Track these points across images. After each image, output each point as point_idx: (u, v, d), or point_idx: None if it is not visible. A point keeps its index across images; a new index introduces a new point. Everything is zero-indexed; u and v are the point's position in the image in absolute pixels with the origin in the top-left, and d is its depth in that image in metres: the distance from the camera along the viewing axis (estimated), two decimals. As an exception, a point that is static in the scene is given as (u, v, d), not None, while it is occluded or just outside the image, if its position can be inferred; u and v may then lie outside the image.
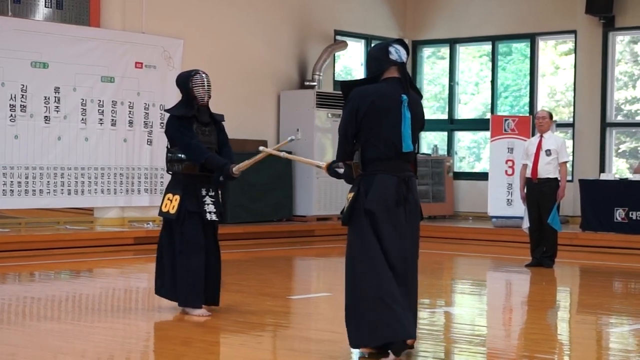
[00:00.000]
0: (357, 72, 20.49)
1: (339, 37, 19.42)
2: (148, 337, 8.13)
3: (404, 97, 6.56)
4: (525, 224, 13.46)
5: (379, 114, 6.52)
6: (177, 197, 8.62)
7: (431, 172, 19.44)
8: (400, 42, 6.74)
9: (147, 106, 16.18)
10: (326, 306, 9.99)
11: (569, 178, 16.06)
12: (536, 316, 9.72)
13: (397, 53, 6.63)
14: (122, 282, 11.82)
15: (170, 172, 8.85)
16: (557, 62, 19.90)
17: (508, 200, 17.25)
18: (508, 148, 17.47)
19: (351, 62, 20.66)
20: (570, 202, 17.12)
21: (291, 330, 8.51)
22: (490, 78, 20.12)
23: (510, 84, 20.30)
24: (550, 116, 13.46)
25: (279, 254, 15.01)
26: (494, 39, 20.02)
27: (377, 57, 6.66)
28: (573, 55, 19.02)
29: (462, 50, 20.90)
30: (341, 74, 20.10)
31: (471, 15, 20.09)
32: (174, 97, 16.40)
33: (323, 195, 17.88)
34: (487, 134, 18.12)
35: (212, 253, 8.98)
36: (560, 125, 18.54)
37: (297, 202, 17.95)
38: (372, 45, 6.97)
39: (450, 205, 19.79)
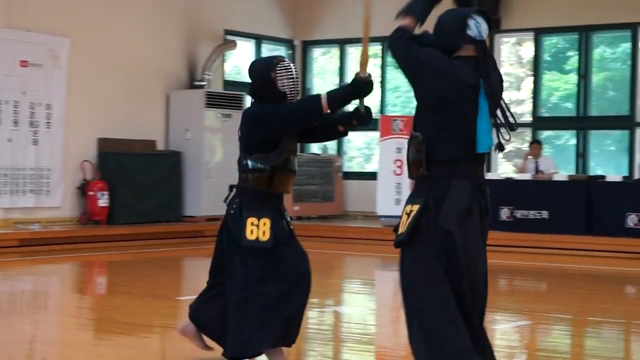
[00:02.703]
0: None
1: (228, 37, 19.35)
2: (33, 340, 7.97)
3: (481, 82, 5.12)
4: (414, 223, 13.56)
5: (454, 101, 5.10)
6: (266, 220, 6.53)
7: (320, 171, 19.49)
8: (482, 13, 5.22)
9: (32, 105, 15.87)
10: (215, 307, 9.91)
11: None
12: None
13: (477, 28, 5.15)
14: (7, 284, 11.58)
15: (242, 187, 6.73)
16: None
17: (396, 199, 17.39)
18: (397, 148, 17.60)
19: (241, 62, 20.60)
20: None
21: (179, 331, 8.42)
22: (380, 78, 20.26)
23: (400, 83, 20.48)
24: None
25: (168, 255, 14.90)
26: (382, 40, 20.15)
27: (450, 30, 5.16)
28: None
29: (352, 50, 21.01)
30: (231, 74, 20.02)
31: (359, 16, 20.14)
32: (61, 96, 16.19)
33: (212, 195, 17.77)
34: (378, 134, 18.24)
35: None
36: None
37: (186, 202, 17.82)
38: (444, 13, 5.14)
39: (339, 205, 19.88)
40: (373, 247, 16.14)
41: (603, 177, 16.25)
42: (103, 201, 16.24)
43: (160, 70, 18.04)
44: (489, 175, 17.15)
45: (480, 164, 5.18)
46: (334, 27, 20.58)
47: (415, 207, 5.05)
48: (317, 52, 21.44)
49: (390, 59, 20.40)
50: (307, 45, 21.11)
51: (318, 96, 6.24)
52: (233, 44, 19.22)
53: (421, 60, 5.13)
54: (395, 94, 20.52)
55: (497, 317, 9.43)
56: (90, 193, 16.25)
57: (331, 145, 20.64)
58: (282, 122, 6.37)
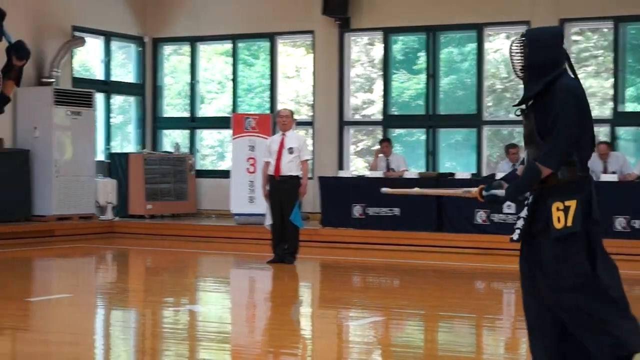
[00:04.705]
0: (96, 69, 20.13)
1: (76, 33, 19.01)
2: None
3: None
4: (268, 221, 13.60)
5: (588, 110, 5.59)
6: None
7: (173, 170, 19.34)
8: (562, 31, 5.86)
9: None
10: (67, 308, 9.75)
11: (310, 175, 16.36)
12: (279, 312, 9.86)
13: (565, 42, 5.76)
14: None
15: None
16: (298, 62, 20.24)
17: (250, 197, 17.40)
18: (249, 146, 17.61)
19: (90, 58, 20.28)
20: (310, 199, 17.45)
21: (30, 333, 8.26)
22: (232, 76, 20.23)
23: (255, 83, 20.50)
24: (292, 115, 13.68)
25: (17, 255, 14.57)
26: (234, 38, 20.15)
27: (552, 45, 5.62)
28: (312, 55, 19.40)
29: (204, 48, 20.92)
30: (80, 71, 19.69)
31: (211, 13, 20.13)
32: None
33: (63, 194, 17.45)
34: (230, 132, 18.21)
35: None
36: (301, 124, 18.88)
37: (35, 201, 17.44)
38: (534, 28, 5.85)
39: (192, 203, 19.77)
40: (227, 246, 16.11)
41: (453, 174, 16.58)
42: (-52, 201, 15.79)
43: (7, 67, 17.61)
44: (341, 174, 17.34)
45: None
46: (184, 24, 20.45)
47: (572, 202, 5.47)
48: (167, 50, 21.26)
49: (242, 57, 20.40)
50: (158, 42, 20.92)
51: None
52: (81, 41, 18.91)
53: (572, 133, 5.50)
54: (249, 95, 20.52)
55: (352, 314, 9.54)
56: None
57: (184, 143, 20.51)
58: None
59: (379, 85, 19.20)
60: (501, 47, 18.30)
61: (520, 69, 5.59)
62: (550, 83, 5.52)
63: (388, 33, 18.81)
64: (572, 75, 5.61)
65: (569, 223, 5.44)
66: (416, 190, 7.00)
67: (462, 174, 16.64)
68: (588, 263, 5.48)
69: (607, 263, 5.56)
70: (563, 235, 5.45)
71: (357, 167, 19.54)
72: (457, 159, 19.13)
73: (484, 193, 5.74)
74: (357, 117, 19.55)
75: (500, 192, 5.70)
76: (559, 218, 5.46)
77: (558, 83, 5.52)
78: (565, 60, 5.63)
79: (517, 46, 5.58)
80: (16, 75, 6.52)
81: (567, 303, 5.49)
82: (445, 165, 18.64)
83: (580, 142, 5.51)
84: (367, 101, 19.61)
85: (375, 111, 19.33)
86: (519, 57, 5.57)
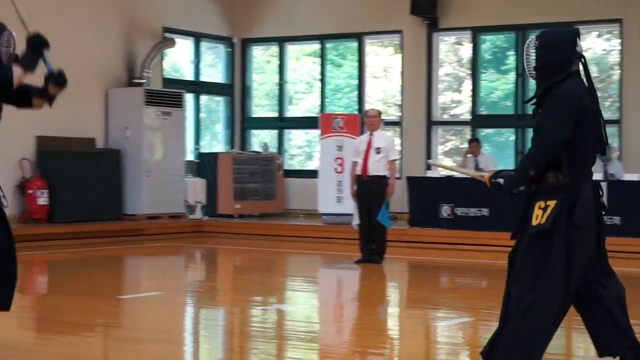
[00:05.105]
0: (186, 69, 20.36)
1: (167, 35, 19.23)
2: (-28, 341, 7.87)
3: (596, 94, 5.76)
4: (355, 221, 13.61)
5: (587, 115, 5.61)
6: None
7: (262, 169, 19.46)
8: (578, 32, 5.81)
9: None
10: (158, 306, 9.87)
11: (397, 175, 16.32)
12: (366, 312, 9.85)
13: (580, 44, 5.72)
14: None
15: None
16: (386, 61, 20.21)
17: (338, 197, 17.42)
18: (337, 146, 17.63)
19: (180, 60, 20.50)
20: (398, 199, 17.40)
21: (121, 330, 8.38)
22: (319, 77, 20.28)
23: (342, 83, 20.52)
24: (380, 115, 13.67)
25: (109, 254, 14.79)
26: (322, 38, 20.20)
27: (562, 47, 5.68)
28: (400, 55, 19.35)
29: (292, 48, 21.01)
30: (170, 72, 19.92)
31: (299, 14, 20.20)
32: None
33: (153, 193, 17.68)
34: (318, 132, 18.25)
35: None
36: (389, 124, 18.84)
37: (126, 200, 17.69)
38: (546, 32, 5.79)
39: (280, 203, 19.86)
40: (315, 245, 16.15)
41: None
42: (42, 199, 16.08)
43: (99, 68, 17.89)
44: (429, 174, 17.26)
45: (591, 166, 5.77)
46: (273, 25, 20.55)
47: (552, 203, 5.55)
48: (256, 50, 21.39)
49: (330, 58, 20.45)
50: (246, 43, 21.06)
51: (9, 67, 6.78)
52: (172, 42, 19.12)
53: (555, 136, 5.55)
54: (337, 95, 20.55)
55: (440, 314, 9.50)
56: (29, 191, 16.09)
57: (272, 143, 20.62)
58: None
59: (467, 85, 19.08)
60: (592, 46, 18.05)
61: (532, 70, 5.69)
62: (553, 85, 5.59)
63: (476, 32, 18.68)
64: (585, 78, 5.65)
65: (543, 221, 5.52)
66: (452, 165, 7.17)
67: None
68: (563, 266, 5.51)
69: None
70: (536, 233, 5.54)
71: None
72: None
73: (492, 180, 5.86)
74: (445, 116, 19.46)
75: (503, 182, 5.84)
76: (537, 216, 5.57)
77: (557, 86, 5.58)
78: (577, 62, 5.66)
79: (530, 47, 5.69)
80: (49, 99, 6.90)
81: (514, 292, 5.67)
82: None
83: (571, 146, 5.54)
84: (455, 101, 19.50)
85: (463, 111, 19.22)
86: (532, 58, 5.67)
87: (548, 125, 5.57)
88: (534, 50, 5.67)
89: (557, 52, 5.64)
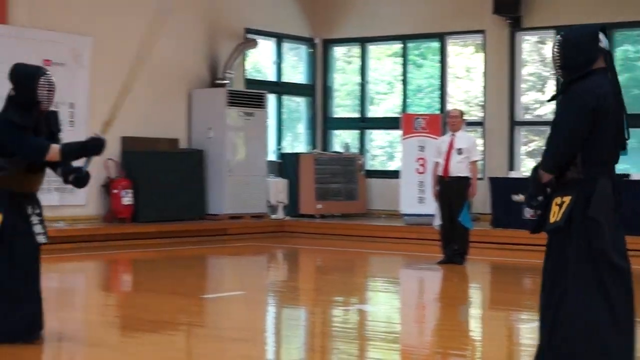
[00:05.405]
0: (269, 70, 20.47)
1: (249, 36, 19.36)
2: (60, 337, 8.00)
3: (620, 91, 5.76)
4: (437, 222, 13.56)
5: (606, 112, 5.60)
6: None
7: (343, 170, 19.48)
8: (602, 28, 5.80)
9: (55, 104, 15.84)
10: (240, 305, 9.95)
11: (480, 176, 16.22)
12: (448, 313, 9.82)
13: (605, 40, 5.73)
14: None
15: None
16: (468, 61, 20.10)
17: (420, 198, 17.38)
18: (419, 146, 17.59)
19: (262, 60, 20.62)
20: (481, 199, 17.30)
21: (205, 329, 8.47)
22: (401, 77, 20.25)
23: (424, 83, 20.46)
24: (462, 115, 13.60)
25: (192, 253, 14.93)
26: (404, 39, 20.16)
27: (584, 45, 5.69)
28: (482, 54, 19.24)
29: (373, 49, 21.00)
30: (252, 72, 20.04)
31: (381, 14, 20.19)
32: (84, 95, 16.28)
33: (236, 193, 17.81)
34: (400, 132, 18.22)
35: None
36: (471, 124, 18.74)
37: (209, 200, 17.84)
38: (568, 31, 5.85)
39: (362, 203, 19.87)
40: (397, 246, 16.13)
41: (627, 175, 16.14)
42: (127, 199, 16.30)
43: (182, 69, 18.07)
44: (511, 174, 17.13)
45: (615, 163, 5.83)
46: (354, 25, 20.57)
47: (567, 199, 5.59)
48: (338, 51, 21.43)
49: (412, 58, 20.40)
50: (328, 43, 21.11)
51: (48, 145, 7.16)
52: (254, 43, 19.24)
53: (572, 132, 5.59)
54: (418, 95, 20.49)
55: (523, 316, 9.42)
56: (115, 191, 16.32)
57: (354, 143, 20.63)
58: (12, 147, 7.12)
59: (550, 85, 18.90)
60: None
61: (557, 68, 5.72)
62: (572, 82, 5.60)
63: (560, 31, 18.46)
64: (610, 74, 5.64)
65: (558, 218, 5.58)
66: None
67: (638, 175, 16.21)
68: (578, 258, 5.56)
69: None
70: (553, 229, 5.62)
71: (528, 167, 19.26)
72: (631, 159, 18.62)
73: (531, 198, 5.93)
74: (528, 117, 19.28)
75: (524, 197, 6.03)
76: (554, 213, 5.63)
77: (575, 84, 5.59)
78: (601, 58, 5.65)
79: (555, 46, 5.71)
80: (63, 178, 7.49)
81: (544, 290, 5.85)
82: (619, 166, 18.15)
83: (587, 143, 5.55)
84: (538, 101, 19.31)
85: (547, 111, 19.03)
86: (556, 57, 5.69)
87: (562, 124, 5.61)
88: (558, 49, 5.68)
89: (578, 50, 5.65)
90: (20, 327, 7.20)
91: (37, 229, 7.38)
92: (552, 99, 5.91)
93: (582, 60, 5.63)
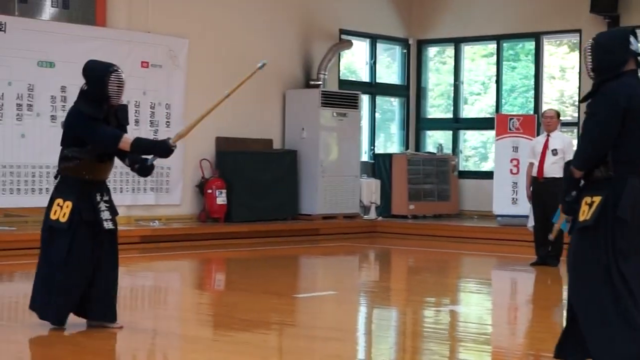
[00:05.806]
0: (362, 71, 20.51)
1: (343, 36, 19.43)
2: (155, 334, 8.15)
3: None
4: (530, 223, 13.46)
5: (637, 112, 5.73)
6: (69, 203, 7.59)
7: (436, 170, 19.44)
8: (634, 32, 5.98)
9: (152, 105, 16.21)
10: (332, 305, 10.00)
11: (574, 177, 16.02)
12: (541, 315, 9.74)
13: (636, 43, 5.89)
14: (129, 280, 11.83)
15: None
16: (562, 61, 19.89)
17: (513, 199, 17.26)
18: (513, 147, 17.45)
19: (355, 61, 20.67)
20: (575, 201, 17.09)
21: (296, 328, 8.53)
22: (495, 77, 20.12)
23: (517, 83, 20.30)
24: (558, 115, 13.46)
25: (284, 253, 15.04)
26: (498, 38, 20.02)
27: (614, 47, 5.85)
28: (577, 54, 19.01)
29: (468, 49, 20.90)
30: (346, 73, 20.11)
31: (476, 14, 20.09)
32: (180, 96, 16.52)
33: (328, 193, 17.88)
34: (494, 133, 18.11)
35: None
36: (565, 125, 18.55)
37: (302, 200, 17.95)
38: (598, 35, 6.04)
39: (455, 204, 19.80)
40: (489, 247, 16.05)
41: None
42: (221, 199, 16.48)
43: (277, 70, 18.20)
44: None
45: None
46: (448, 25, 20.51)
47: (597, 199, 5.77)
48: (432, 51, 21.38)
49: (509, 58, 20.25)
50: (422, 44, 21.07)
51: (121, 134, 7.52)
52: (348, 44, 19.29)
53: (602, 133, 5.77)
54: (512, 95, 20.34)
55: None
56: (209, 191, 16.51)
57: (447, 144, 20.57)
58: (85, 136, 7.50)
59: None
60: None
61: (589, 71, 5.88)
62: (601, 84, 5.75)
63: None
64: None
65: (588, 217, 5.76)
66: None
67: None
68: (607, 258, 5.71)
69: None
70: (582, 228, 5.80)
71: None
72: None
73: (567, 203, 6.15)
74: (625, 117, 18.99)
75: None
76: (583, 212, 5.82)
77: (604, 86, 5.74)
78: (631, 61, 5.83)
79: (587, 50, 5.89)
80: (129, 163, 7.84)
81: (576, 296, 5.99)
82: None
83: (616, 143, 5.71)
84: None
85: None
86: (589, 60, 5.87)
87: (592, 124, 5.76)
88: (590, 53, 5.86)
89: (609, 53, 5.83)
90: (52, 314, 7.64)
91: (105, 215, 7.75)
92: (584, 99, 5.96)
93: (611, 62, 5.81)
